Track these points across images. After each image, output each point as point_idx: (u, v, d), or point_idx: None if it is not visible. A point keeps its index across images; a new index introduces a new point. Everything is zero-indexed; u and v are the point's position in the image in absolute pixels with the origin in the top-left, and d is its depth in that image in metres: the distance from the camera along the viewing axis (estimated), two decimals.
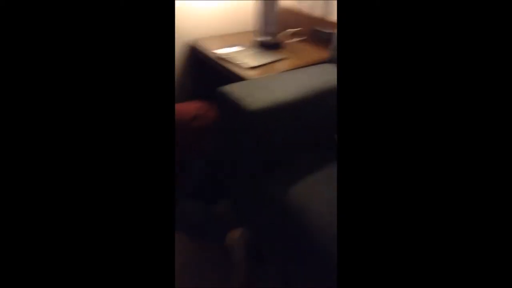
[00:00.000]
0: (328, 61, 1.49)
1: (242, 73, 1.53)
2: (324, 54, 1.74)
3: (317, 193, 1.07)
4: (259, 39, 1.82)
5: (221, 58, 1.66)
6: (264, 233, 1.23)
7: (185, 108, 1.50)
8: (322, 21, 1.85)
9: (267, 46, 1.80)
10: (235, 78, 1.54)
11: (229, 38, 1.95)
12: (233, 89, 1.21)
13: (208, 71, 1.79)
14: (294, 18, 2.00)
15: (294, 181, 1.13)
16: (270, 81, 1.30)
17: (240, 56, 1.68)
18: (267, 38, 1.80)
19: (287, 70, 1.50)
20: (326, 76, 1.33)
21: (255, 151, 1.20)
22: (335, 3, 1.77)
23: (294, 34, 1.99)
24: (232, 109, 1.18)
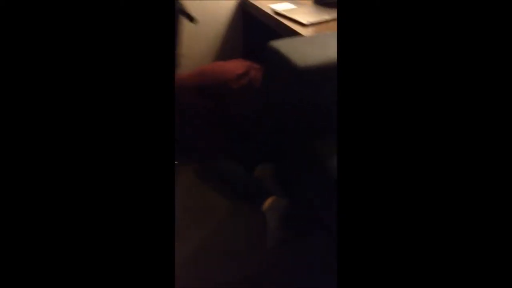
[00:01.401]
0: None
1: (297, 29, 1.50)
2: None
3: None
4: None
5: (277, 13, 1.64)
6: (304, 202, 1.24)
7: (231, 66, 1.51)
8: None
9: (327, 4, 1.74)
10: (289, 34, 1.51)
11: None
12: (282, 45, 1.19)
13: (260, 28, 1.77)
14: None
15: None
16: (324, 39, 1.26)
17: (297, 12, 1.65)
18: None
19: None
20: None
21: (301, 112, 1.19)
22: None
23: None
24: (280, 66, 1.16)
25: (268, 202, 1.34)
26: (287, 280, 1.27)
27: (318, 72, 1.11)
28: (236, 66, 1.50)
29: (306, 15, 1.62)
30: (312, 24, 1.55)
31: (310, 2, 1.79)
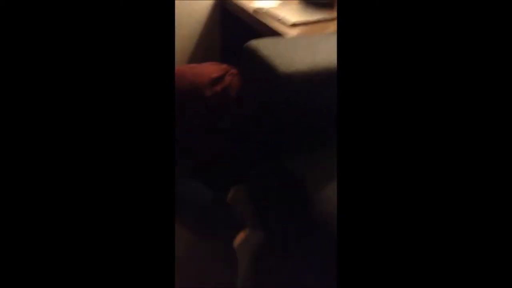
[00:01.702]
0: None
1: (282, 30, 1.40)
2: None
3: None
4: None
5: (258, 11, 1.53)
6: (279, 234, 1.15)
7: (205, 69, 1.35)
8: None
9: (316, 3, 1.64)
10: (273, 35, 1.41)
11: None
12: (263, 45, 1.07)
13: (241, 28, 1.66)
14: None
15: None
16: (311, 41, 1.15)
17: (282, 10, 1.54)
18: None
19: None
20: None
21: (281, 122, 1.09)
22: None
23: None
24: (259, 69, 1.04)
25: (240, 236, 1.18)
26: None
27: (303, 79, 1.00)
28: (211, 69, 1.34)
29: (292, 14, 1.51)
30: (298, 24, 1.44)
31: (296, 1, 1.68)
